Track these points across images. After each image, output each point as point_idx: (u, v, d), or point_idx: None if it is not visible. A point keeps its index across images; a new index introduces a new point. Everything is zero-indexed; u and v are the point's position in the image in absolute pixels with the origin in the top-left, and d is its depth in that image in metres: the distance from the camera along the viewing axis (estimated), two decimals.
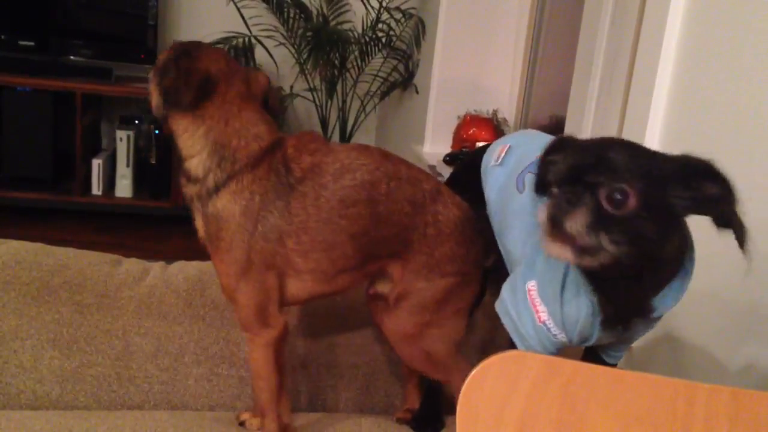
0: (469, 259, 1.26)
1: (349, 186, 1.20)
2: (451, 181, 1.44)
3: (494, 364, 0.86)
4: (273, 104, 1.31)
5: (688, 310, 1.41)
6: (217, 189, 1.19)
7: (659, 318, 1.09)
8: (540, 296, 1.08)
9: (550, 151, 0.99)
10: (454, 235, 1.26)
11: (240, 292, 1.20)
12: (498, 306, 1.15)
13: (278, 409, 1.28)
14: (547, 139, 1.30)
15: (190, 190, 1.22)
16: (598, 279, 1.00)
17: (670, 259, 0.97)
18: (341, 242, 1.21)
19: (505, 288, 1.15)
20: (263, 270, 1.19)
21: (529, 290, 1.09)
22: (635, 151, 0.94)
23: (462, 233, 1.27)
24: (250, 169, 1.19)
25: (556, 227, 0.89)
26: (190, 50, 1.22)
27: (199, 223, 1.23)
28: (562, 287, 1.05)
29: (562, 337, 1.08)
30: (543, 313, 1.07)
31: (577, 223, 0.88)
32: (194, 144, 1.20)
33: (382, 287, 1.32)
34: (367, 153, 1.25)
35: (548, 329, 1.07)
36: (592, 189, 0.89)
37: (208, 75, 1.20)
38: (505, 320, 1.14)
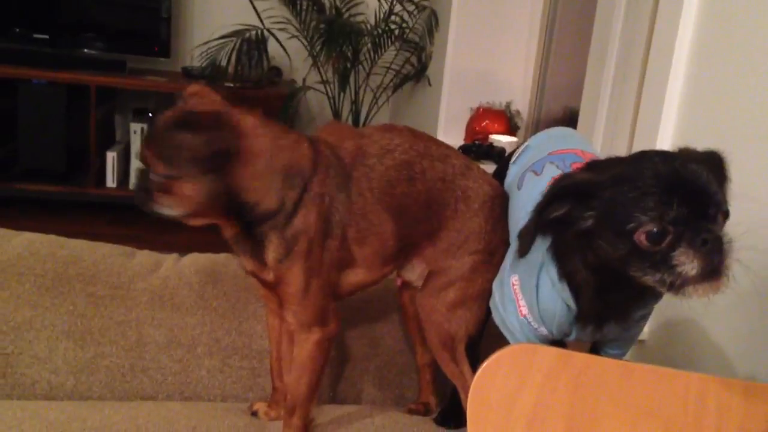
0: (495, 238, 1.26)
1: (392, 166, 1.22)
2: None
3: (506, 356, 0.87)
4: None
5: (701, 303, 1.40)
6: (295, 208, 1.15)
7: (636, 321, 1.10)
8: (521, 290, 1.09)
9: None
10: (483, 211, 1.27)
11: (309, 293, 1.19)
12: (490, 302, 1.18)
13: (311, 406, 1.28)
14: (570, 138, 1.31)
15: (264, 227, 1.16)
16: (589, 286, 1.02)
17: None
18: (391, 222, 1.22)
19: (495, 283, 1.18)
20: (330, 269, 1.20)
21: (513, 284, 1.12)
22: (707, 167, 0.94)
23: (491, 209, 1.27)
24: (314, 175, 1.17)
25: (714, 270, 0.87)
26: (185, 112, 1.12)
27: (270, 256, 1.17)
28: (537, 284, 1.07)
29: (542, 330, 1.10)
30: (524, 308, 1.10)
31: (730, 256, 0.88)
32: (267, 182, 1.13)
33: (409, 275, 1.33)
34: (398, 133, 1.27)
35: (529, 323, 1.09)
36: (707, 218, 0.89)
37: (228, 119, 1.12)
38: (495, 315, 1.17)
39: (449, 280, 1.27)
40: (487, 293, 1.25)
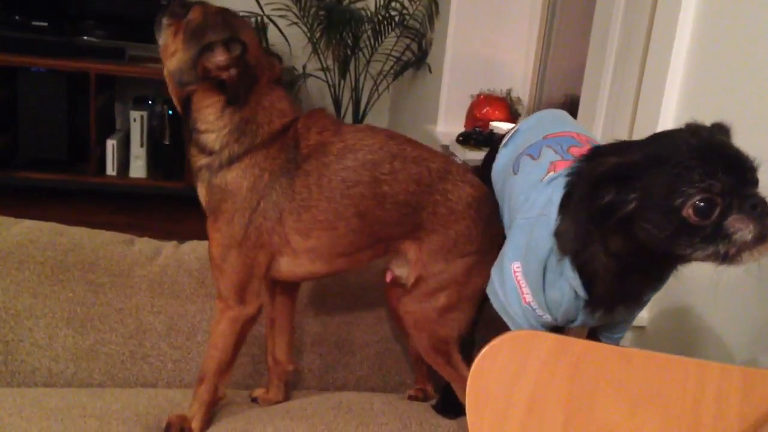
0: (486, 237, 1.25)
1: (351, 166, 1.20)
2: (483, 163, 1.45)
3: (505, 342, 0.87)
4: (283, 81, 1.31)
5: (702, 290, 1.40)
6: (230, 162, 1.19)
7: (643, 303, 1.10)
8: (524, 277, 1.08)
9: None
10: (469, 213, 1.25)
11: (228, 263, 1.20)
12: (488, 288, 1.16)
13: (218, 383, 1.26)
14: (562, 121, 1.30)
15: (200, 160, 1.22)
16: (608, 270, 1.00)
17: None
18: (343, 222, 1.20)
19: (494, 269, 1.17)
20: (257, 247, 1.20)
21: (514, 271, 1.10)
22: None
23: (477, 210, 1.25)
24: (265, 146, 1.19)
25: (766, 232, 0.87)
26: (240, 38, 1.18)
27: (202, 192, 1.23)
28: (544, 271, 1.06)
29: (547, 317, 1.10)
30: (527, 295, 1.09)
31: None
32: (217, 120, 1.20)
33: (400, 271, 1.32)
34: (372, 134, 1.25)
35: (533, 309, 1.09)
36: (748, 184, 0.89)
37: (254, 69, 1.21)
38: (494, 302, 1.16)
39: (440, 285, 1.25)
40: (480, 292, 1.23)
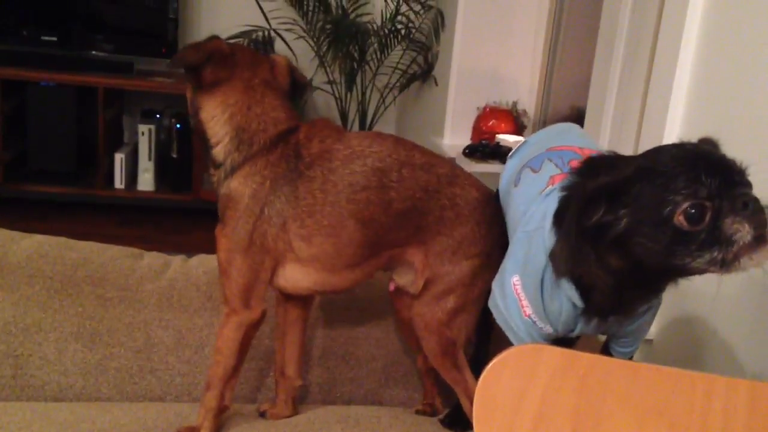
0: (491, 240, 1.26)
1: (359, 172, 1.22)
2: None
3: (512, 356, 0.87)
4: (299, 78, 1.35)
5: (708, 302, 1.40)
6: (233, 171, 1.22)
7: (640, 313, 1.10)
8: (524, 291, 1.09)
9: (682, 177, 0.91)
10: (474, 216, 1.26)
11: (234, 266, 1.22)
12: (490, 302, 1.17)
13: (224, 389, 1.27)
14: (568, 134, 1.31)
15: (215, 176, 1.26)
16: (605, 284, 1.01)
17: None
18: (348, 228, 1.21)
19: (495, 283, 1.17)
20: (262, 252, 1.22)
21: (514, 284, 1.11)
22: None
23: (482, 213, 1.27)
24: (264, 154, 1.22)
25: (763, 235, 0.86)
26: (211, 37, 1.27)
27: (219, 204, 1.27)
28: (542, 284, 1.06)
29: (547, 329, 1.10)
30: (527, 308, 1.09)
31: None
32: (219, 130, 1.24)
33: (403, 279, 1.32)
34: (380, 140, 1.26)
35: (534, 322, 1.09)
36: (736, 184, 0.89)
37: (223, 50, 1.25)
38: (496, 316, 1.16)
39: (448, 287, 1.27)
40: (486, 294, 1.23)
